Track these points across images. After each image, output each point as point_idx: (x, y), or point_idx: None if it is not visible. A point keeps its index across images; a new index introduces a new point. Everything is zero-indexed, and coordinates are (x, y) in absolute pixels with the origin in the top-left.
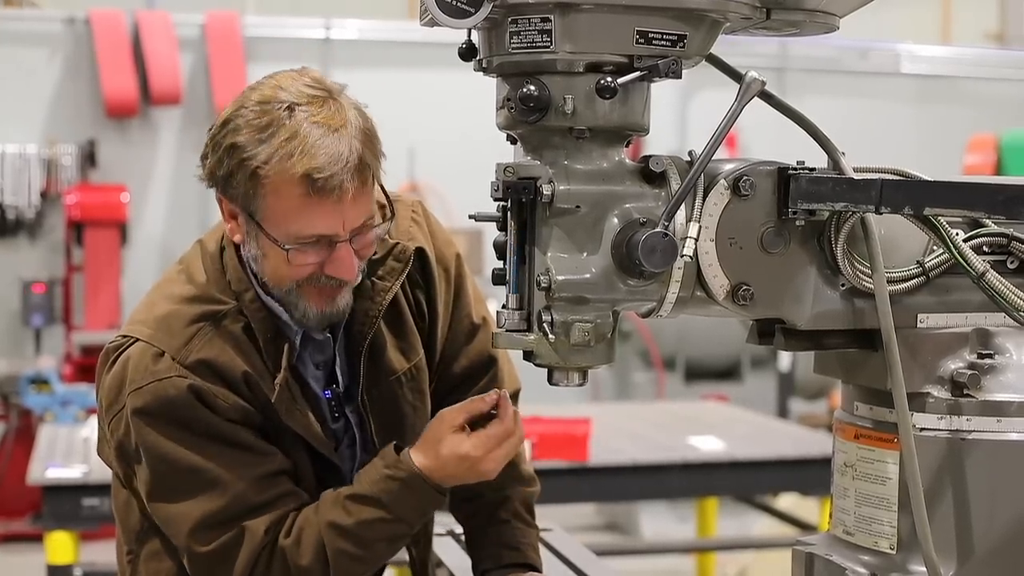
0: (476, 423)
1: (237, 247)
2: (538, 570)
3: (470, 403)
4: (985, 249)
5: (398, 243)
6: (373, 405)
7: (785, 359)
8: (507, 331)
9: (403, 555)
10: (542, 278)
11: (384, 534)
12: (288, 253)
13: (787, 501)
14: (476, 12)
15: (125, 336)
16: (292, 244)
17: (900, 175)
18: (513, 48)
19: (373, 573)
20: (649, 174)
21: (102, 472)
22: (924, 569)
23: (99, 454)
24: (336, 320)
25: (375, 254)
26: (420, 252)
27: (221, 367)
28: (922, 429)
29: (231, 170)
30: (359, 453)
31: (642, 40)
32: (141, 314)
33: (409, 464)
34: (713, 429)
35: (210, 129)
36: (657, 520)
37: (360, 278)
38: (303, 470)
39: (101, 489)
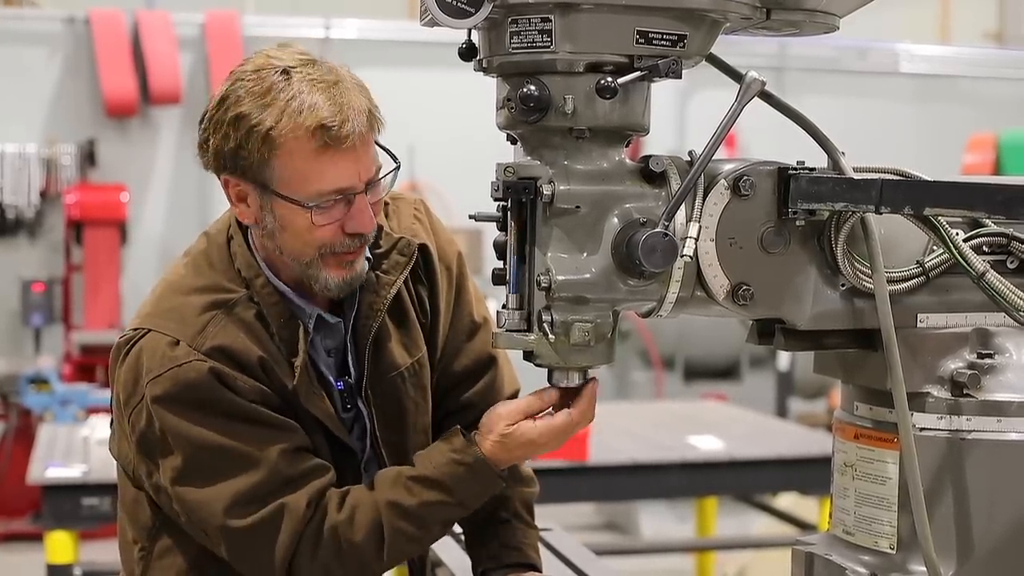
0: None
1: (244, 234)
2: (538, 570)
3: (527, 403)
4: (985, 249)
5: (402, 237)
6: (376, 399)
7: (784, 359)
8: (507, 331)
9: None
10: (542, 278)
11: (443, 517)
12: (312, 213)
13: (786, 500)
14: (476, 12)
15: (136, 329)
16: (315, 201)
17: (900, 175)
18: (513, 48)
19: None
20: (649, 174)
21: (102, 471)
22: (924, 569)
23: (111, 451)
24: (355, 285)
25: (379, 247)
26: (423, 249)
27: (237, 353)
28: (922, 429)
29: (240, 142)
30: (368, 447)
31: (642, 40)
32: (150, 307)
33: (476, 449)
34: (712, 428)
35: (204, 113)
36: (656, 519)
37: (366, 266)
38: (321, 454)
39: (101, 488)
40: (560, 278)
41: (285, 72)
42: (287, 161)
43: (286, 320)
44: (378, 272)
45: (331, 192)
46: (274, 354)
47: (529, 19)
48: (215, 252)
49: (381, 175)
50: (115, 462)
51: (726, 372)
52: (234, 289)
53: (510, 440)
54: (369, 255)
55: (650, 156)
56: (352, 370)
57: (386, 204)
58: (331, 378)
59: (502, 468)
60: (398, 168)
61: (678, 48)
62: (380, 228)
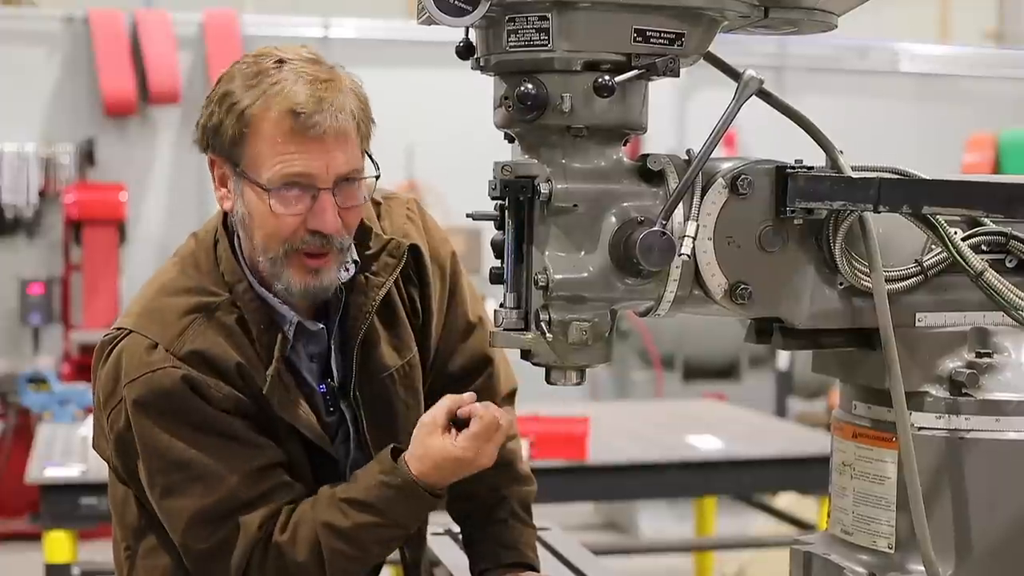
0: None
1: (230, 237)
2: (536, 569)
3: (447, 403)
4: (983, 248)
5: (392, 239)
6: (365, 401)
7: (783, 358)
8: (505, 330)
9: (396, 555)
10: (540, 277)
11: (380, 537)
12: (270, 196)
13: (785, 500)
14: (473, 10)
15: (119, 328)
16: (274, 185)
17: (898, 174)
18: (511, 46)
19: (367, 573)
20: (647, 173)
21: (100, 471)
22: (922, 568)
23: (95, 448)
24: (320, 296)
25: (368, 249)
26: (415, 249)
27: (214, 358)
28: (920, 428)
29: (220, 119)
30: (353, 450)
31: (640, 38)
32: (136, 306)
33: (405, 471)
34: (712, 428)
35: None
36: (656, 519)
37: (352, 271)
38: (298, 462)
39: (99, 488)
40: (558, 277)
41: (280, 61)
42: (256, 141)
43: (266, 326)
44: (367, 274)
45: (292, 176)
46: (253, 360)
47: (527, 17)
48: (202, 254)
49: (361, 177)
50: None
51: (725, 372)
52: (218, 293)
53: (431, 458)
54: (356, 258)
55: (648, 155)
56: (335, 373)
57: (379, 204)
58: (313, 383)
59: (439, 488)
60: (378, 177)
61: (676, 46)
62: (370, 230)
